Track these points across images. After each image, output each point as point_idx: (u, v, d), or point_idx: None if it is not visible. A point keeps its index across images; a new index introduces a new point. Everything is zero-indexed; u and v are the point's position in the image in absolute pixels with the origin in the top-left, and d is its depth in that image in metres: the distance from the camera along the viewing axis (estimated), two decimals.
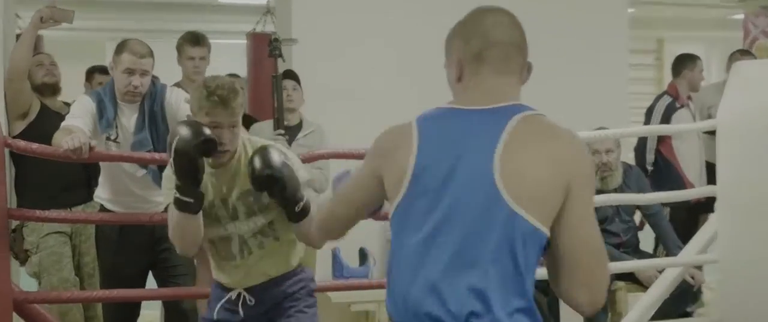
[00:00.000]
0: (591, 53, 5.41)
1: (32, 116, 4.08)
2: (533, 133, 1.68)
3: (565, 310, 3.71)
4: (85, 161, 3.39)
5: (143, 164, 3.44)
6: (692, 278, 4.21)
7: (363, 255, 4.75)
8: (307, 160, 3.50)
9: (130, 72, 3.37)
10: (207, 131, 2.49)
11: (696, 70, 5.45)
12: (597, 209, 1.95)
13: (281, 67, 4.17)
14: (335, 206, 1.96)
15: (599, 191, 4.09)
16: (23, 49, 3.90)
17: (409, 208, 1.72)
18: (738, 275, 3.62)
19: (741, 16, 7.93)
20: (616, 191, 4.31)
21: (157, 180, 3.41)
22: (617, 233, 4.39)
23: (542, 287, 2.45)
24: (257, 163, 2.53)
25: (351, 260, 4.71)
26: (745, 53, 5.85)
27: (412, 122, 1.78)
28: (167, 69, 4.38)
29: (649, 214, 4.54)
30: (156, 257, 3.60)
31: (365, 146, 2.08)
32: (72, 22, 4.04)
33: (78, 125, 3.24)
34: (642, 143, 5.37)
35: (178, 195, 2.52)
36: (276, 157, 2.55)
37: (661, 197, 4.19)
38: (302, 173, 2.69)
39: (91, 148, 3.13)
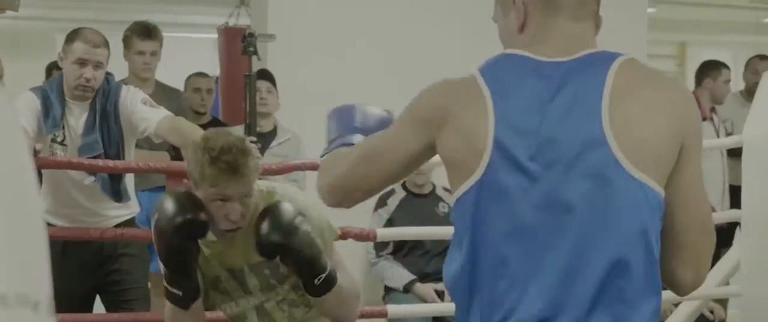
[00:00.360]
0: None
1: None
2: (640, 80, 1.55)
3: None
4: None
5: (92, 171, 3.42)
6: (711, 312, 4.23)
7: None
8: (281, 171, 3.50)
9: (83, 63, 3.35)
10: (195, 210, 2.26)
11: (719, 80, 5.46)
12: None
13: (255, 66, 4.17)
14: (362, 163, 1.69)
15: None
16: None
17: (496, 192, 1.51)
18: (763, 310, 3.63)
19: None
20: None
21: (108, 189, 3.40)
22: None
23: None
24: (263, 226, 2.26)
25: None
26: (764, 58, 5.89)
27: (476, 75, 1.57)
28: (124, 65, 4.37)
29: None
30: (105, 278, 3.56)
31: None
32: (17, 10, 4.02)
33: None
34: None
35: (166, 285, 2.33)
36: (288, 217, 2.27)
37: None
38: (328, 234, 2.42)
39: (35, 153, 3.12)
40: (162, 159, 4.02)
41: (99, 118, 3.40)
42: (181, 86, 4.94)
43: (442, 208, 4.44)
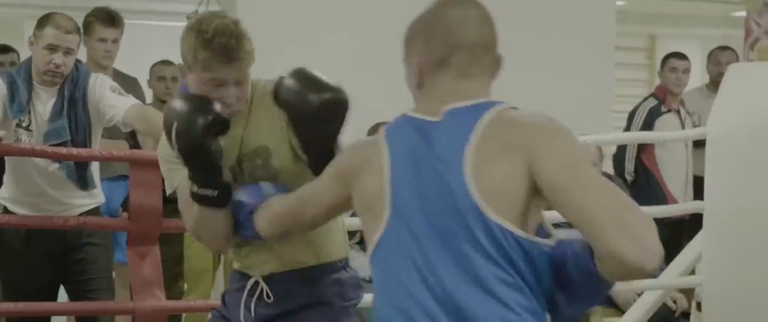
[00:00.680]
0: (572, 50, 5.39)
1: None
2: (502, 126, 1.67)
3: None
4: None
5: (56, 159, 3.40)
6: (674, 302, 4.28)
7: None
8: None
9: (53, 49, 3.33)
10: (216, 108, 2.14)
11: (666, 70, 5.42)
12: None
13: None
14: (298, 203, 1.99)
15: None
16: None
17: (394, 240, 1.72)
18: (722, 300, 3.68)
19: (743, 14, 8.02)
20: None
21: (73, 177, 3.38)
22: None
23: None
24: (311, 88, 2.17)
25: None
26: (725, 49, 5.93)
27: (382, 135, 1.79)
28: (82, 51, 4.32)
29: None
30: (69, 267, 3.52)
31: None
32: None
33: None
34: (621, 151, 5.40)
35: (195, 189, 2.18)
36: (322, 76, 2.19)
37: None
38: None
39: None
40: (121, 148, 3.99)
41: (67, 105, 3.39)
42: (147, 74, 4.93)
43: None
